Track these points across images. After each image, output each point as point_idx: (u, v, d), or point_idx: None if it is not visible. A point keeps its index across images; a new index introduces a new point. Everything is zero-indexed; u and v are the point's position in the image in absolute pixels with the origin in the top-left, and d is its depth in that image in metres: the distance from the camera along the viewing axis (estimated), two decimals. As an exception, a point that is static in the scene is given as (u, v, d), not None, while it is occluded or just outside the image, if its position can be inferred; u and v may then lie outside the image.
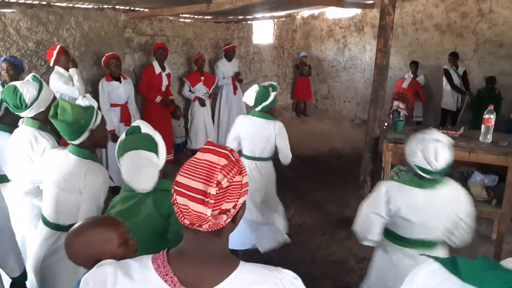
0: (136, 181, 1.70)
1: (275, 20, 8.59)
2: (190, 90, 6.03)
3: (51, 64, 4.21)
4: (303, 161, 6.25)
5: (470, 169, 3.81)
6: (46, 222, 2.16)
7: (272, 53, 8.78)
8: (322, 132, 7.71)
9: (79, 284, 1.25)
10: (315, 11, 8.88)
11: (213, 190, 0.86)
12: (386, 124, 4.21)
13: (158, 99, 5.29)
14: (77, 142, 2.07)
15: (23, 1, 4.19)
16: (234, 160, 0.92)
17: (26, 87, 2.37)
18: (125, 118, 4.84)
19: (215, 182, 0.86)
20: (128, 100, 4.89)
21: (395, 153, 3.84)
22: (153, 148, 1.74)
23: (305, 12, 8.97)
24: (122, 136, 1.80)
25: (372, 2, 7.81)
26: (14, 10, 4.16)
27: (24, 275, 1.82)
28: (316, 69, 9.23)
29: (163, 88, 5.41)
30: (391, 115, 6.76)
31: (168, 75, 5.48)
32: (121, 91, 4.75)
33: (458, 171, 3.90)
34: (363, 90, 8.58)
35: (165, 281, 0.91)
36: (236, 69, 6.68)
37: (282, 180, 5.38)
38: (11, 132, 2.61)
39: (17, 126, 2.70)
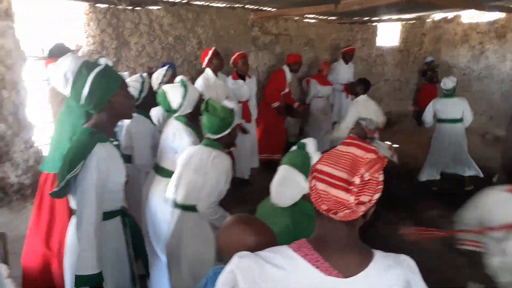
0: (274, 195, 1.84)
1: (403, 22, 8.13)
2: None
3: (204, 65, 4.36)
4: (421, 174, 5.78)
5: None
6: (176, 204, 2.38)
7: (396, 57, 8.34)
8: (444, 145, 7.05)
9: (211, 277, 1.31)
10: (449, 14, 8.17)
11: (357, 180, 0.91)
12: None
13: (276, 104, 5.34)
14: (216, 136, 2.35)
15: None
16: (382, 156, 0.96)
17: (173, 94, 2.64)
18: (246, 115, 5.02)
19: (360, 173, 0.91)
20: (249, 97, 5.06)
21: (538, 179, 3.33)
22: (305, 169, 1.79)
23: (437, 15, 8.31)
24: (293, 148, 1.95)
25: (521, 4, 6.88)
26: (159, 7, 4.62)
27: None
28: (445, 76, 8.49)
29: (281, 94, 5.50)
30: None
31: (289, 84, 5.55)
32: (244, 89, 4.93)
33: None
34: (499, 103, 7.66)
35: (317, 267, 0.95)
36: (351, 73, 6.46)
37: (394, 194, 5.07)
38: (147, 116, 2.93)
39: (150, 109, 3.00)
